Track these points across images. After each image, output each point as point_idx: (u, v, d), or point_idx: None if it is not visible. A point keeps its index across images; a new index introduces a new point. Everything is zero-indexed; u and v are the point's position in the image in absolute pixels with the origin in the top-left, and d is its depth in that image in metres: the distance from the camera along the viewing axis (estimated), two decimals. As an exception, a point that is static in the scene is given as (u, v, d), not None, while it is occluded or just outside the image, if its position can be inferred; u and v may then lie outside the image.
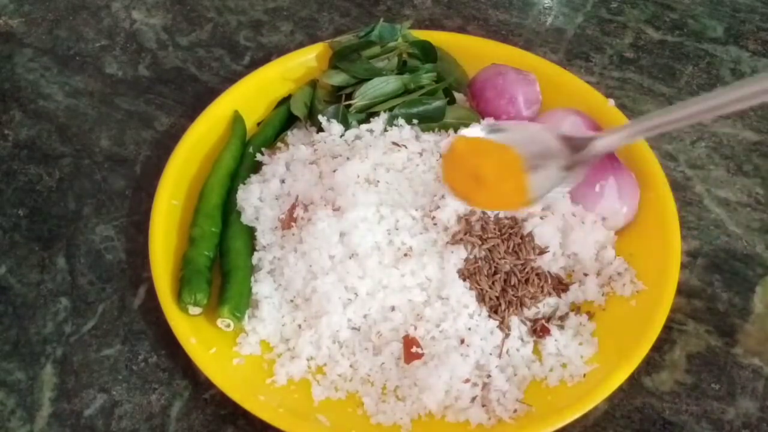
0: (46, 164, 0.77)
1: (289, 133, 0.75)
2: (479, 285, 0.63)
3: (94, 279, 0.69)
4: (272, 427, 0.58)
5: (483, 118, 0.73)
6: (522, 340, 0.62)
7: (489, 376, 0.60)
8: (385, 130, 0.71)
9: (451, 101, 0.75)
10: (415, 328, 0.61)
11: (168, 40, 0.87)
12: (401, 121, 0.71)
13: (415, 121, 0.72)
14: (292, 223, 0.66)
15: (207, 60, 0.85)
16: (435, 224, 0.66)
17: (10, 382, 0.63)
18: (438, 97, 0.73)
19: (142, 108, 0.81)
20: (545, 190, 0.60)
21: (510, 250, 0.65)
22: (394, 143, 0.70)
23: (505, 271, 0.64)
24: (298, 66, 0.79)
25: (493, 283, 0.63)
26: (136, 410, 0.62)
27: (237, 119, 0.75)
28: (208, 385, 0.61)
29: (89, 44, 0.87)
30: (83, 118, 0.80)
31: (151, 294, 0.65)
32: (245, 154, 0.73)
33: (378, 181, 0.68)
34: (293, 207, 0.67)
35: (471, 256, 0.64)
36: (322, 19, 0.89)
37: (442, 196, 0.66)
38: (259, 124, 0.77)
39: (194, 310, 0.63)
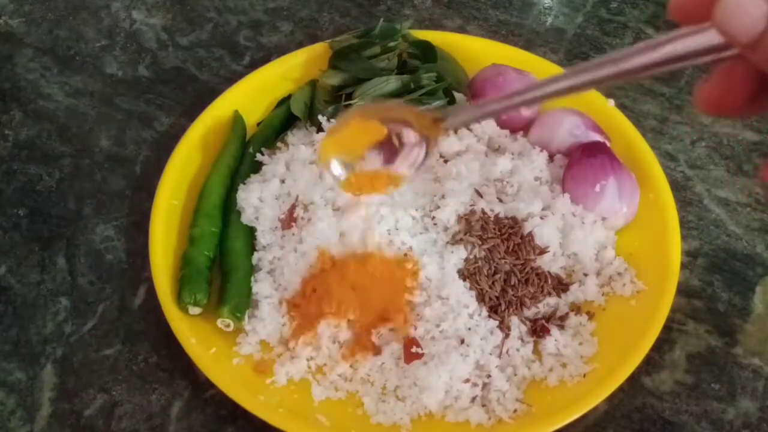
0: (46, 164, 0.77)
1: (289, 133, 0.74)
2: (479, 285, 0.63)
3: (94, 279, 0.69)
4: (272, 427, 0.58)
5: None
6: (522, 340, 0.62)
7: (489, 376, 0.60)
8: None
9: (451, 101, 0.75)
10: (415, 328, 0.61)
11: (168, 40, 0.87)
12: None
13: None
14: (292, 223, 0.66)
15: (207, 60, 0.85)
16: (435, 224, 0.66)
17: (10, 382, 0.63)
18: (438, 97, 0.73)
19: (142, 108, 0.81)
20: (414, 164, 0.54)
21: (510, 250, 0.65)
22: None
23: (505, 271, 0.64)
24: (298, 66, 0.79)
25: (493, 283, 0.63)
26: (136, 410, 0.62)
27: (237, 119, 0.75)
28: (208, 385, 0.61)
29: (89, 44, 0.87)
30: (83, 118, 0.80)
31: (151, 294, 0.65)
32: (245, 154, 0.73)
33: None
34: (293, 207, 0.67)
35: (471, 256, 0.64)
36: (322, 19, 0.89)
37: (442, 196, 0.66)
38: (259, 124, 0.77)
39: (194, 310, 0.63)
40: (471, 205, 0.66)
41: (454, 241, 0.64)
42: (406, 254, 0.64)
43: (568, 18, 0.89)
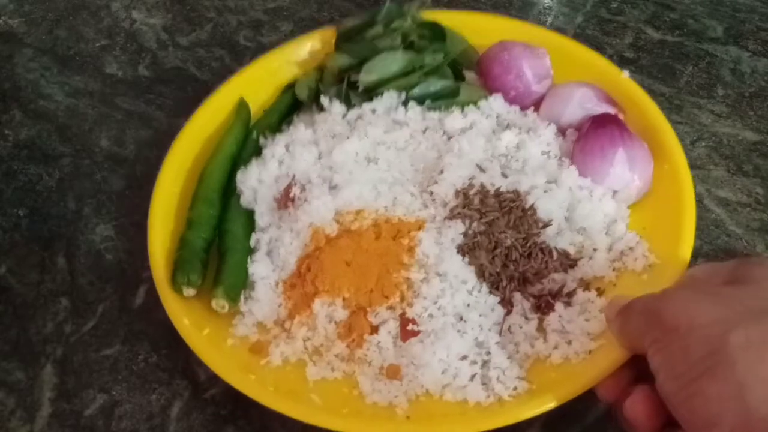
0: (46, 164, 0.77)
1: (294, 117, 0.73)
2: (478, 260, 0.61)
3: (94, 279, 0.69)
4: (271, 425, 0.58)
5: (491, 95, 0.71)
6: (525, 317, 0.61)
7: (488, 353, 0.58)
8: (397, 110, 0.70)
9: (460, 78, 0.73)
10: (412, 306, 0.60)
11: (168, 40, 0.87)
12: (413, 103, 0.70)
13: (428, 101, 0.70)
14: (289, 203, 0.65)
15: (207, 60, 0.85)
16: (433, 200, 0.64)
17: (10, 382, 0.63)
18: (444, 75, 0.72)
19: (142, 108, 0.81)
20: None
21: (510, 224, 0.63)
22: (396, 121, 0.68)
23: (506, 246, 0.62)
24: (305, 51, 0.77)
25: (493, 258, 0.62)
26: (136, 410, 0.62)
27: (242, 105, 0.74)
28: (209, 385, 0.61)
29: (89, 44, 0.87)
30: (83, 118, 0.80)
31: (151, 294, 0.65)
32: (248, 139, 0.72)
33: (378, 159, 0.67)
34: (289, 186, 0.66)
35: (469, 231, 0.63)
36: (322, 19, 0.89)
37: (441, 172, 0.65)
38: (264, 110, 0.75)
39: (188, 291, 0.61)
40: (470, 179, 0.65)
41: (452, 215, 0.63)
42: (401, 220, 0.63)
43: (568, 18, 0.89)
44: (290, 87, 0.76)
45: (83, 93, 0.83)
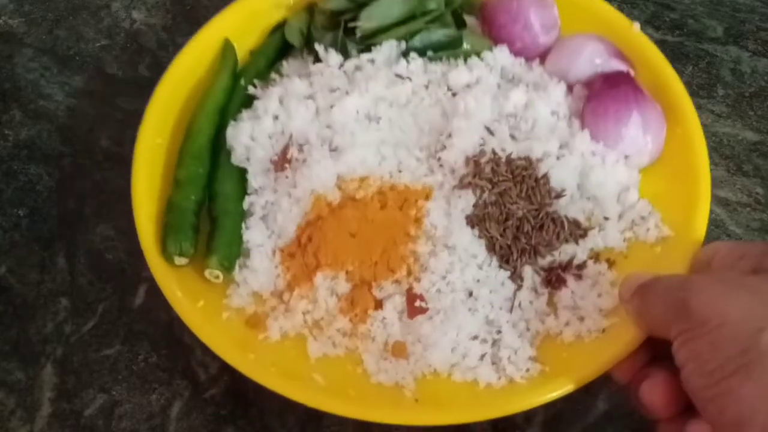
0: (46, 164, 0.77)
1: (283, 62, 0.70)
2: (489, 232, 0.59)
3: (94, 279, 0.69)
4: (271, 425, 0.57)
5: (496, 45, 0.67)
6: (536, 291, 0.59)
7: (499, 332, 0.57)
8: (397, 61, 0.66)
9: (461, 26, 0.69)
10: (419, 281, 0.58)
11: (168, 40, 0.87)
12: (414, 54, 0.66)
13: (430, 52, 0.66)
14: (286, 165, 0.62)
15: (207, 60, 0.85)
16: (441, 166, 0.62)
17: (10, 382, 0.63)
18: (446, 23, 0.68)
19: (142, 108, 0.81)
20: None
21: (523, 194, 0.61)
22: (398, 75, 0.65)
23: (518, 217, 0.60)
24: None
25: (504, 230, 0.60)
26: (136, 410, 0.62)
27: (227, 48, 0.70)
28: (209, 385, 0.61)
29: (89, 44, 0.87)
30: (83, 118, 0.80)
31: (151, 294, 0.65)
32: (236, 87, 0.68)
33: (380, 118, 0.63)
34: (287, 147, 0.63)
35: (480, 202, 0.60)
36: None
37: (449, 135, 0.62)
38: (251, 53, 0.72)
39: (180, 261, 0.59)
40: (481, 145, 0.62)
41: (462, 184, 0.61)
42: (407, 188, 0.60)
43: (568, 18, 0.89)
44: (278, 28, 0.72)
45: (83, 93, 0.82)
